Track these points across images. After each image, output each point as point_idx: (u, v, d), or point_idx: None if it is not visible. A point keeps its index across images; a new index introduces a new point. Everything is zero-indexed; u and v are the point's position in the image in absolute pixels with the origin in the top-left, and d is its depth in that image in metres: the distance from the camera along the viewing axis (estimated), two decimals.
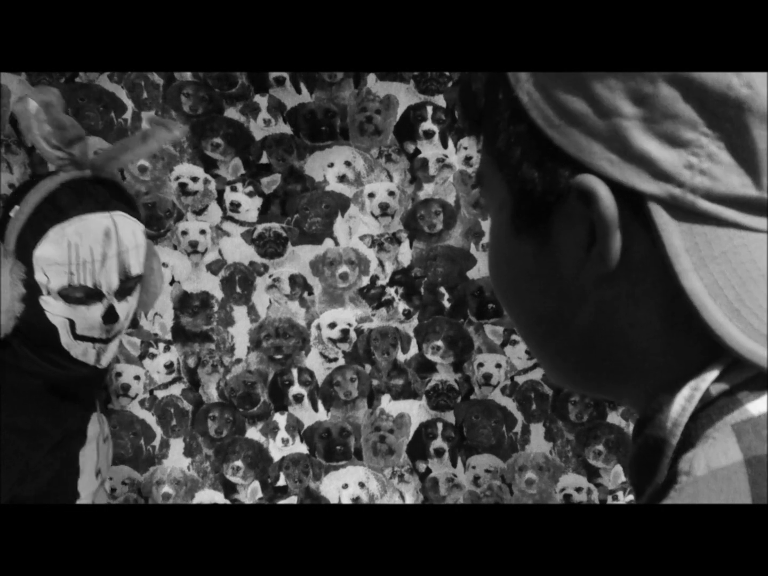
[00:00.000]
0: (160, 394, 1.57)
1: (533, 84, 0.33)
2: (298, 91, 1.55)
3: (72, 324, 0.90)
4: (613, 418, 1.63)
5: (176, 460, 1.58)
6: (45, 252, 0.88)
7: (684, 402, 0.31)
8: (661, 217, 0.30)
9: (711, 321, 0.30)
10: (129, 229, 0.92)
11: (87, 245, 0.88)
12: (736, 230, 0.30)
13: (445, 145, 1.57)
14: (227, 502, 1.57)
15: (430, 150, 1.57)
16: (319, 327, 1.58)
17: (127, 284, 0.94)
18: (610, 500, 1.63)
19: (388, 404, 1.61)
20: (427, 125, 1.56)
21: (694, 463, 0.29)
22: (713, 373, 0.31)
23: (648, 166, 0.30)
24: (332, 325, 1.58)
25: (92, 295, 0.90)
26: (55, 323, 0.90)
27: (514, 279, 0.38)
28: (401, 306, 1.59)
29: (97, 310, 0.91)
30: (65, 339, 0.91)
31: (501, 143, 0.35)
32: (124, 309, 0.94)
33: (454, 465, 1.63)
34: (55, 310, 0.90)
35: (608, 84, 0.31)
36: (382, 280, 1.59)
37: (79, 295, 0.89)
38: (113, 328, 0.93)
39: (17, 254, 0.89)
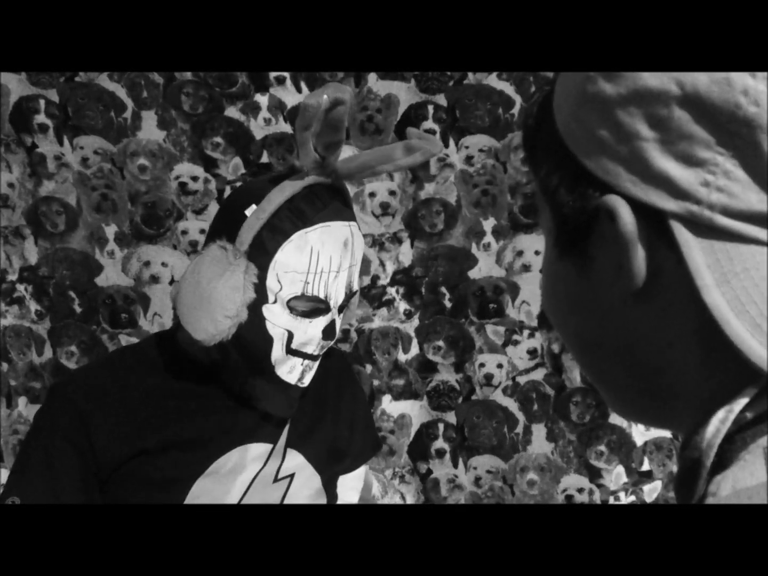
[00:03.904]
0: None
1: (569, 114, 0.35)
2: (299, 90, 1.55)
3: (290, 337, 0.85)
4: (615, 418, 1.63)
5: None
6: (287, 257, 0.82)
7: (718, 424, 0.32)
8: (682, 234, 0.31)
9: (734, 336, 0.30)
10: (360, 244, 0.89)
11: (328, 254, 0.83)
12: (758, 246, 0.31)
13: (446, 145, 1.56)
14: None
15: None
16: None
17: (347, 300, 0.90)
18: (612, 501, 1.63)
19: (389, 404, 1.60)
20: (428, 124, 1.56)
21: (722, 484, 0.30)
22: (748, 395, 0.31)
23: (667, 185, 0.31)
24: None
25: (319, 308, 0.86)
26: (273, 334, 0.85)
27: (559, 301, 0.40)
28: (402, 306, 1.59)
29: (319, 325, 0.86)
30: (277, 353, 0.85)
31: (543, 171, 0.37)
32: (339, 326, 0.90)
33: (456, 466, 1.62)
34: (278, 320, 0.84)
35: (628, 110, 0.32)
36: (383, 280, 1.59)
37: (306, 307, 0.85)
38: (327, 344, 0.89)
39: (251, 256, 0.83)
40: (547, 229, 0.39)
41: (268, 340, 0.85)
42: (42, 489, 0.86)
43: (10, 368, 1.58)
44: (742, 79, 0.29)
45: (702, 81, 0.30)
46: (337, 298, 0.87)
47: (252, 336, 0.85)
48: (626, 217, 0.32)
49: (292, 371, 0.88)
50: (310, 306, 0.86)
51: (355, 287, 0.91)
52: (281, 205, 0.84)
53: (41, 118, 1.52)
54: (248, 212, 0.85)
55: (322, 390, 1.03)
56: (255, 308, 0.84)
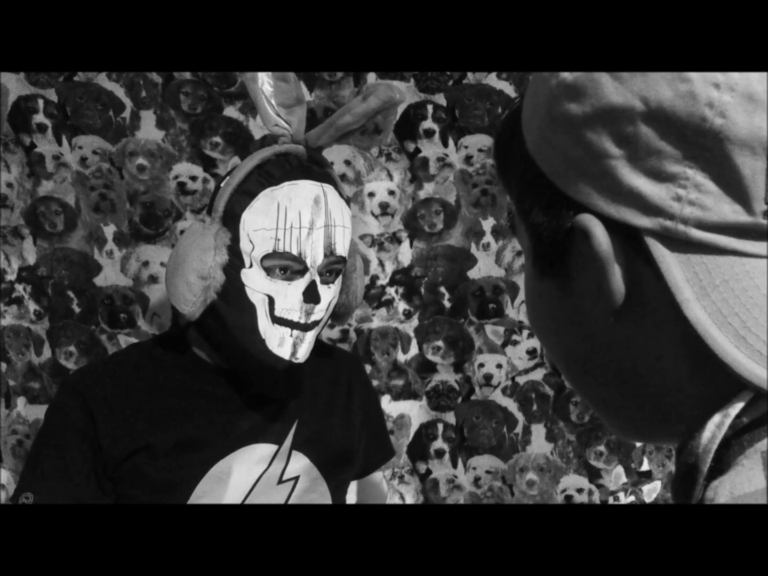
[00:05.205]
0: None
1: (537, 136, 0.35)
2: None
3: (271, 302, 0.85)
4: None
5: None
6: (254, 215, 0.83)
7: (714, 429, 0.31)
8: (658, 249, 0.31)
9: (717, 349, 0.30)
10: (338, 206, 0.88)
11: (296, 209, 0.83)
12: (736, 257, 0.31)
13: (445, 144, 1.56)
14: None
15: (430, 149, 1.56)
16: None
17: (331, 265, 0.88)
18: (611, 501, 1.62)
19: (388, 405, 1.60)
20: (428, 124, 1.56)
21: (719, 490, 0.30)
22: (743, 400, 0.31)
23: (639, 201, 0.31)
24: (332, 326, 1.57)
25: (296, 270, 0.85)
26: (254, 301, 0.84)
27: (543, 321, 0.40)
28: (401, 306, 1.59)
29: (298, 287, 0.85)
30: (263, 322, 0.85)
31: (517, 192, 0.37)
32: (326, 296, 0.88)
33: (455, 466, 1.62)
34: (255, 285, 0.84)
35: (595, 129, 0.32)
36: (382, 280, 1.59)
37: (280, 266, 0.84)
38: (313, 311, 0.86)
39: (224, 222, 0.85)
40: (526, 248, 0.39)
41: (251, 308, 0.85)
42: (56, 482, 0.86)
43: (8, 368, 1.57)
44: (705, 91, 0.29)
45: (666, 96, 0.30)
46: (314, 257, 0.85)
47: (235, 306, 0.85)
48: (600, 236, 0.32)
49: (283, 344, 0.86)
50: (284, 264, 0.85)
51: (340, 251, 0.88)
52: (252, 171, 0.85)
53: (40, 117, 1.51)
54: (223, 184, 0.87)
55: (332, 392, 1.02)
56: (234, 275, 0.85)
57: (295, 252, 0.84)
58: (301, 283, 0.86)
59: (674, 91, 0.30)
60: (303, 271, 0.86)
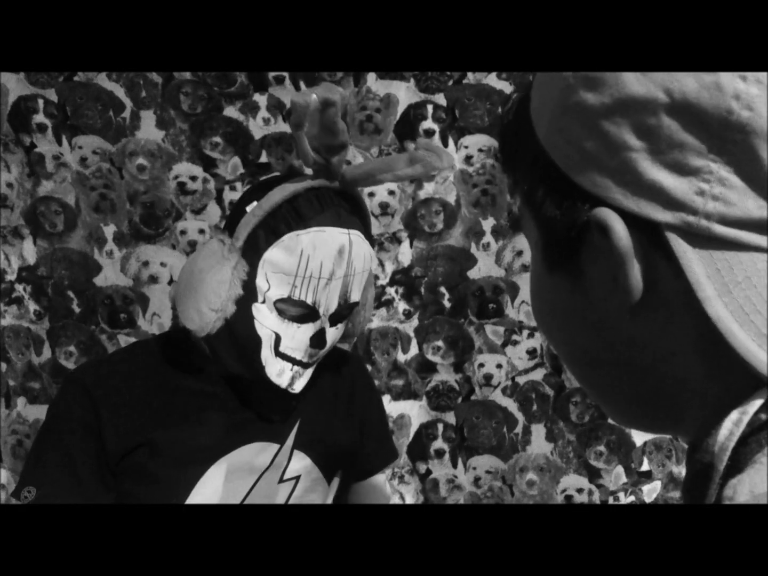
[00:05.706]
0: None
1: (550, 126, 0.34)
2: (298, 89, 1.55)
3: (278, 339, 0.85)
4: None
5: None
6: (275, 257, 0.82)
7: (731, 426, 0.31)
8: (679, 245, 0.30)
9: (739, 347, 0.29)
10: (362, 252, 0.87)
11: (318, 259, 0.82)
12: (759, 253, 0.30)
13: (445, 144, 1.56)
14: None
15: None
16: None
17: (343, 311, 0.88)
18: (611, 501, 1.63)
19: (388, 405, 1.60)
20: (428, 124, 1.56)
21: (738, 488, 0.29)
22: (762, 397, 0.30)
23: (660, 195, 0.30)
24: None
25: (307, 315, 0.85)
26: (261, 335, 0.84)
27: (552, 316, 0.38)
28: (401, 306, 1.59)
29: (307, 331, 0.85)
30: (266, 353, 0.85)
31: (526, 184, 0.36)
32: (332, 336, 0.88)
33: (455, 466, 1.62)
34: (265, 321, 0.84)
35: (614, 120, 0.31)
36: (382, 280, 1.59)
37: (294, 312, 0.84)
38: (317, 353, 0.87)
39: (244, 252, 0.83)
40: (534, 241, 0.38)
41: (257, 340, 0.85)
42: (58, 475, 0.86)
43: (8, 368, 1.57)
44: (732, 83, 0.28)
45: (691, 87, 0.29)
46: (327, 306, 0.86)
47: (241, 333, 0.85)
48: (620, 231, 0.31)
49: (282, 375, 0.87)
50: (297, 311, 0.85)
51: (354, 298, 0.89)
52: (281, 205, 0.84)
53: (40, 117, 1.51)
54: (249, 209, 0.85)
55: (335, 393, 1.02)
56: (245, 306, 0.84)
57: (309, 301, 0.84)
58: (309, 328, 0.86)
59: (699, 82, 0.29)
60: (314, 316, 0.86)
